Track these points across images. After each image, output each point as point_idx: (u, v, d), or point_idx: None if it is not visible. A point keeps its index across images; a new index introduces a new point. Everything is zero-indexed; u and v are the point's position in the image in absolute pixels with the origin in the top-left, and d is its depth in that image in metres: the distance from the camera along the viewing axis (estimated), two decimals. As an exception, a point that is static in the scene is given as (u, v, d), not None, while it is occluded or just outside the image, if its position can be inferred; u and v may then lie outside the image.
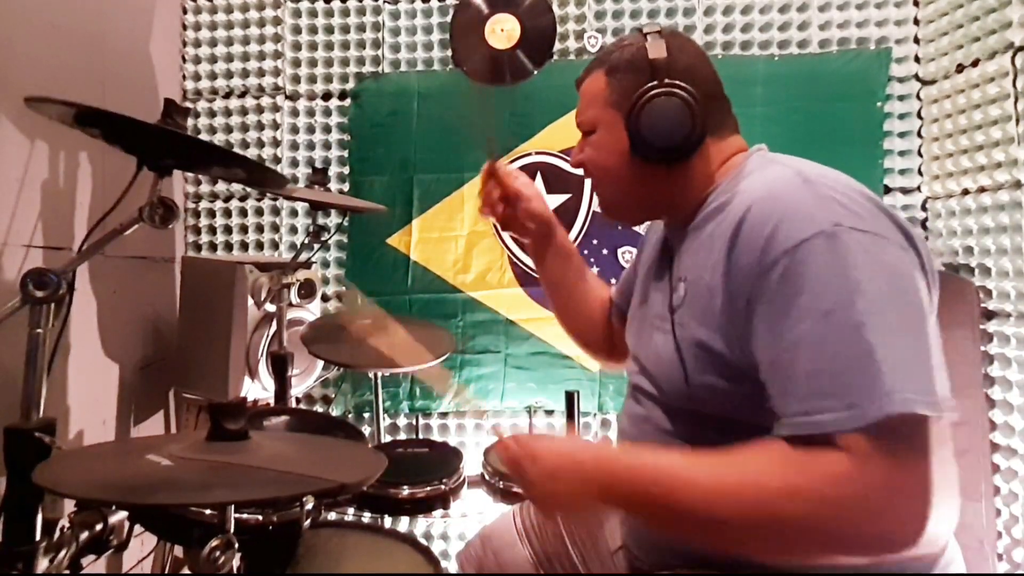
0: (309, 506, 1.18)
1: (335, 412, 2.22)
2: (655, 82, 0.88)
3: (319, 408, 2.24)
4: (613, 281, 2.16)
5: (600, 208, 1.05)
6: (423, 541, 1.24)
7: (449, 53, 2.24)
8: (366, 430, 2.03)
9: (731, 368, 0.78)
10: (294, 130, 2.28)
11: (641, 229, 1.19)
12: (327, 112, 2.28)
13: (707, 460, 0.72)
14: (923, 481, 0.64)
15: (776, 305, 0.72)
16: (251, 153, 2.27)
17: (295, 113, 2.28)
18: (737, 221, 0.78)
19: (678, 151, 0.88)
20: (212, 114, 2.28)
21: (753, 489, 0.68)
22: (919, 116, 2.07)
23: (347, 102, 2.26)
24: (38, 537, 1.00)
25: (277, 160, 2.26)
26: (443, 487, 1.55)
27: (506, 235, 2.21)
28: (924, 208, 2.05)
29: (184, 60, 2.29)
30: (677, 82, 0.87)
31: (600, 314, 1.28)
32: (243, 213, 2.29)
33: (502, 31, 2.18)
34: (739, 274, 0.76)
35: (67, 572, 1.01)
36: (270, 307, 1.82)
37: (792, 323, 0.70)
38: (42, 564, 0.98)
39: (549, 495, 0.80)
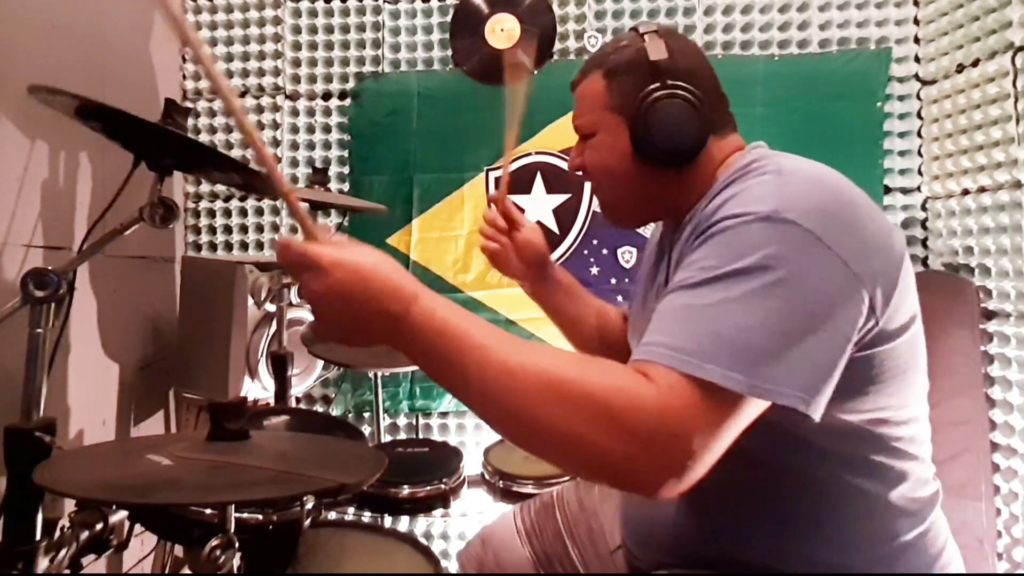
0: (309, 506, 1.18)
1: (335, 412, 2.22)
2: (658, 84, 0.86)
3: (319, 408, 2.24)
4: (613, 281, 2.19)
5: (602, 211, 1.03)
6: (423, 541, 1.24)
7: (449, 53, 2.24)
8: (366, 430, 2.03)
9: None
10: (294, 130, 2.28)
11: (645, 232, 1.19)
12: (327, 112, 2.28)
13: (507, 338, 0.69)
14: (703, 438, 0.64)
15: (696, 252, 0.74)
16: (251, 153, 2.26)
17: (295, 113, 2.28)
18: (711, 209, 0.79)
19: (684, 154, 0.87)
20: (212, 114, 2.28)
21: (552, 366, 0.66)
22: (919, 116, 2.07)
23: (347, 102, 2.26)
24: (38, 537, 1.00)
25: (277, 160, 2.26)
26: (443, 487, 1.55)
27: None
28: (924, 208, 2.05)
29: (184, 60, 2.28)
30: (681, 83, 0.86)
31: (618, 336, 1.23)
32: (243, 213, 2.29)
33: (502, 31, 2.18)
34: (689, 243, 0.78)
35: (67, 572, 1.01)
36: (270, 307, 1.82)
37: (688, 276, 0.72)
38: (42, 564, 0.98)
39: (328, 316, 0.70)
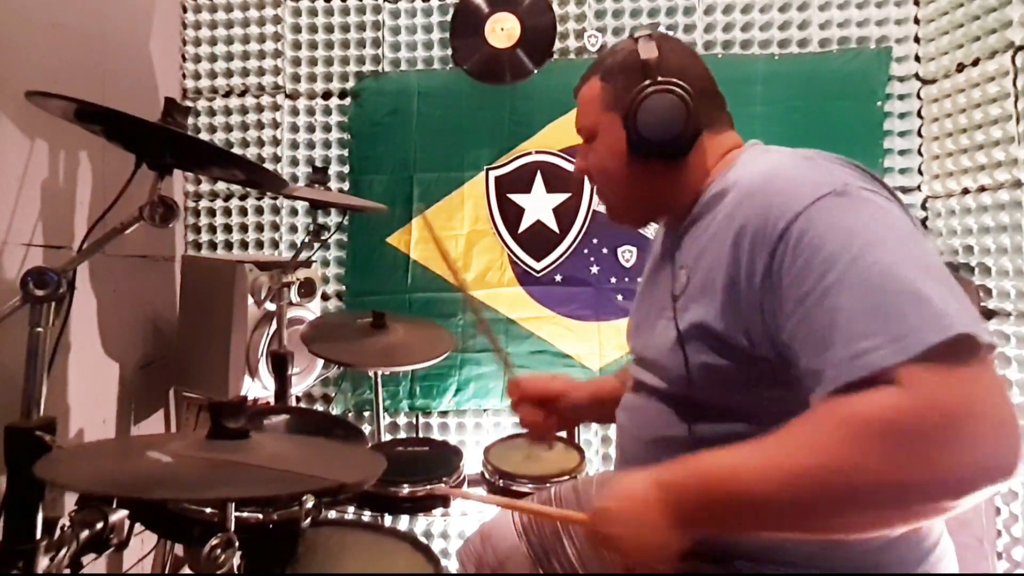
0: (309, 504, 1.18)
1: (335, 411, 2.22)
2: (648, 80, 0.89)
3: (319, 407, 2.24)
4: (613, 280, 2.19)
5: (606, 213, 1.06)
6: (423, 540, 1.24)
7: (449, 52, 2.24)
8: (366, 429, 2.03)
9: (732, 349, 0.78)
10: (294, 129, 2.28)
11: (647, 232, 1.20)
12: (327, 111, 2.28)
13: (759, 449, 0.66)
14: (998, 393, 0.59)
15: (797, 267, 0.69)
16: (251, 152, 2.27)
17: (295, 112, 2.28)
18: (742, 203, 0.79)
19: (675, 146, 0.89)
20: (212, 113, 2.28)
21: (817, 458, 0.62)
22: (919, 115, 2.07)
23: (347, 101, 2.27)
24: (39, 536, 1.00)
25: (277, 159, 2.26)
26: (443, 486, 1.55)
27: (506, 235, 2.21)
28: (924, 207, 2.05)
29: (184, 59, 2.29)
30: (670, 79, 0.89)
31: None
32: (243, 212, 2.29)
33: (502, 30, 2.18)
34: (753, 252, 0.74)
35: (67, 571, 1.01)
36: (270, 306, 1.82)
37: (818, 278, 0.66)
38: (42, 563, 0.98)
39: (639, 546, 0.71)
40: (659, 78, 0.89)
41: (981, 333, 0.61)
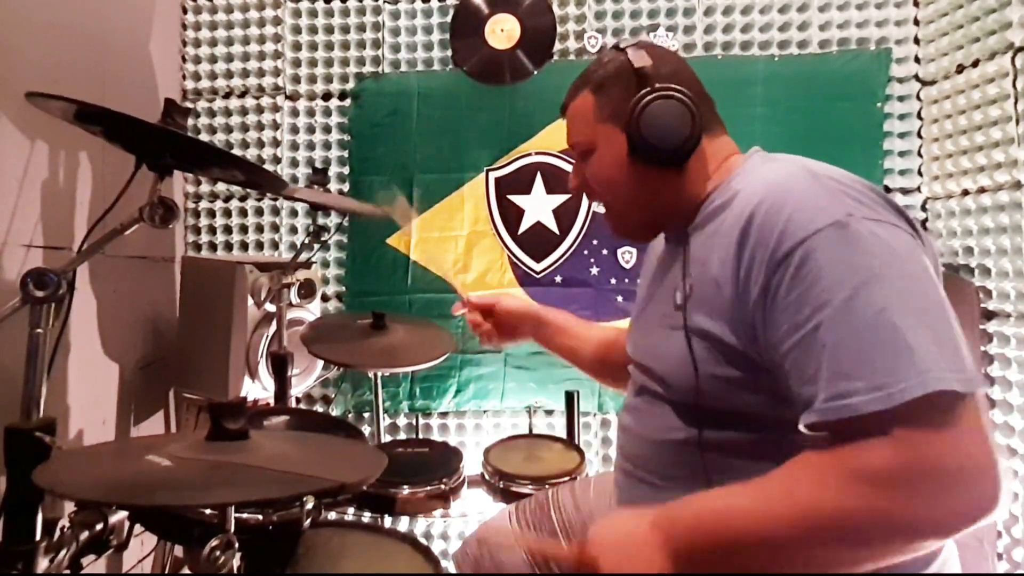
0: (309, 506, 1.18)
1: (335, 412, 2.22)
2: (648, 88, 0.89)
3: (319, 408, 2.24)
4: (613, 281, 2.19)
5: (611, 228, 1.04)
6: (423, 541, 1.24)
7: (449, 53, 2.24)
8: (366, 430, 2.03)
9: (741, 358, 0.79)
10: (294, 130, 2.28)
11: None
12: (327, 112, 2.28)
13: (752, 491, 0.70)
14: (980, 444, 0.63)
15: (794, 294, 0.71)
16: (251, 153, 2.27)
17: (295, 113, 2.28)
18: (747, 215, 0.78)
19: (680, 152, 0.89)
20: (212, 114, 2.28)
21: (810, 510, 0.66)
22: (919, 116, 2.07)
23: (347, 102, 2.27)
24: (38, 537, 1.00)
25: (277, 160, 2.26)
26: (443, 487, 1.54)
27: (506, 236, 2.21)
28: (924, 208, 2.05)
29: (184, 60, 2.29)
30: (671, 85, 0.88)
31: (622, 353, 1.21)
32: (243, 213, 2.29)
33: (502, 31, 2.18)
34: (752, 266, 0.75)
35: (67, 572, 1.01)
36: (270, 307, 1.82)
37: (812, 311, 0.69)
38: (42, 564, 0.98)
39: None
40: (657, 84, 0.88)
41: (960, 385, 0.63)
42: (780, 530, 0.67)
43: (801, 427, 0.70)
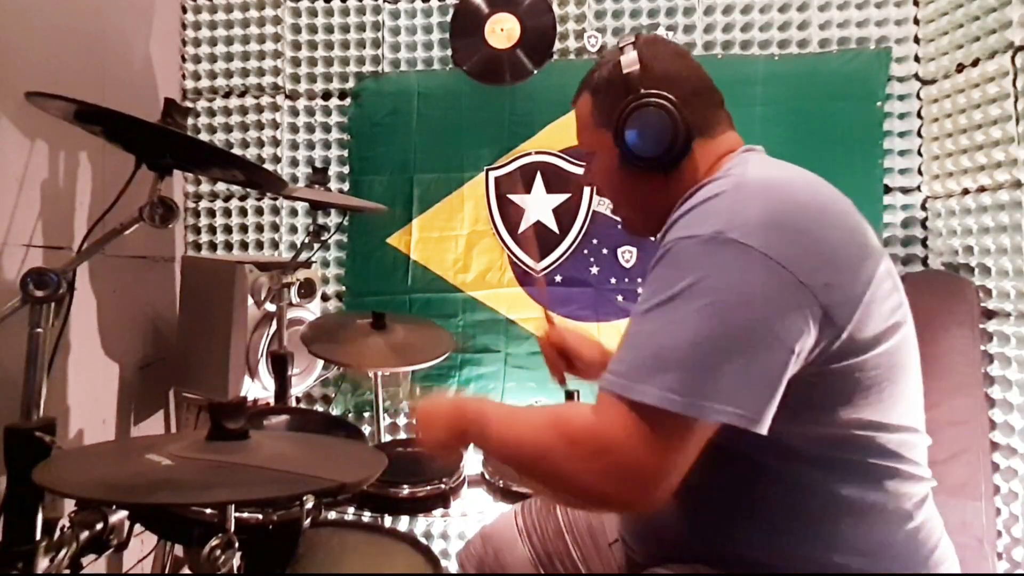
0: (309, 505, 1.18)
1: (335, 412, 2.22)
2: (631, 96, 0.89)
3: (319, 408, 2.24)
4: (613, 281, 2.19)
5: (623, 227, 1.08)
6: (423, 541, 1.24)
7: (449, 53, 2.24)
8: (366, 430, 2.03)
9: None
10: (294, 130, 2.28)
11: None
12: (327, 112, 2.28)
13: (521, 413, 0.88)
14: (655, 464, 0.71)
15: (647, 280, 0.80)
16: (251, 153, 2.27)
17: (295, 113, 2.28)
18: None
19: (665, 158, 0.89)
20: (212, 113, 2.28)
21: (532, 424, 0.83)
22: (919, 116, 2.07)
23: (347, 102, 2.27)
24: (38, 536, 1.00)
25: (277, 160, 2.26)
26: (443, 486, 1.54)
27: (506, 235, 2.21)
28: (924, 208, 2.05)
29: (184, 60, 2.29)
30: (652, 91, 0.88)
31: None
32: (243, 213, 2.29)
33: (502, 31, 2.18)
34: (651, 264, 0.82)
35: (67, 571, 1.01)
36: (270, 307, 1.82)
37: (643, 299, 0.78)
38: (42, 563, 0.98)
39: (428, 433, 0.97)
40: (642, 91, 0.88)
41: (675, 406, 0.69)
42: (510, 440, 0.85)
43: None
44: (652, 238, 0.99)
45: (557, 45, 2.20)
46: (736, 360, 0.70)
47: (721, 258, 0.72)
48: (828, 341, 0.74)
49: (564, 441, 0.76)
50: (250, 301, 1.79)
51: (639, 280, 2.15)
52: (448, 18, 2.23)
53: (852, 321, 0.74)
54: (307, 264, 1.95)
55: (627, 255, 2.17)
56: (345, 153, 2.27)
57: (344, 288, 2.27)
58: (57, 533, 1.02)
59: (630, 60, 0.91)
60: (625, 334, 0.78)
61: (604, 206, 2.14)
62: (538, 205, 2.20)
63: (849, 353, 0.75)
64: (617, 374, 0.74)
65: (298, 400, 2.08)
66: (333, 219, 2.15)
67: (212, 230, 2.29)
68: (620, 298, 2.16)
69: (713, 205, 0.77)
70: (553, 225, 2.20)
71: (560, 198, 2.19)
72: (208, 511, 1.07)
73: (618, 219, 1.13)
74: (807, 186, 0.81)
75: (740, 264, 0.72)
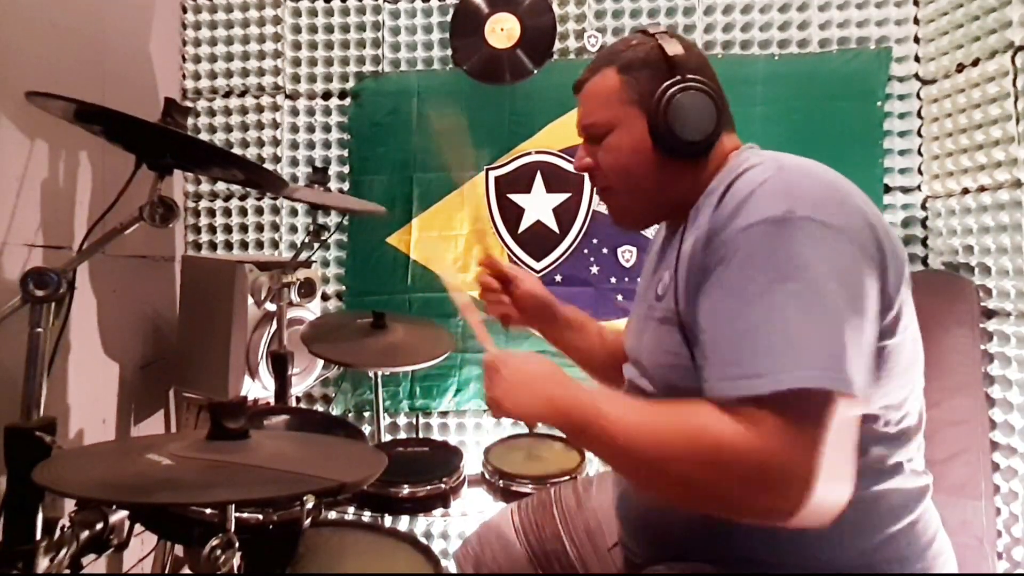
0: (309, 505, 1.18)
1: (335, 411, 2.22)
2: (678, 77, 0.88)
3: (319, 407, 2.24)
4: (613, 280, 2.19)
5: (612, 214, 1.03)
6: (423, 540, 1.24)
7: (449, 53, 2.24)
8: (366, 429, 2.03)
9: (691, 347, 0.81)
10: (294, 129, 2.28)
11: (648, 232, 1.18)
12: (327, 112, 2.28)
13: (638, 410, 0.78)
14: (812, 459, 0.66)
15: (712, 279, 0.76)
16: (251, 152, 2.27)
17: (295, 112, 2.28)
18: (712, 206, 0.81)
19: (701, 145, 0.89)
20: (212, 113, 2.28)
21: (663, 440, 0.73)
22: (919, 115, 2.07)
23: (347, 102, 2.27)
24: (38, 536, 1.00)
25: (277, 159, 2.26)
26: (443, 486, 1.54)
27: (506, 235, 2.21)
28: (924, 207, 2.05)
29: (184, 60, 2.29)
30: (699, 77, 0.88)
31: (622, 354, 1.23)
32: (243, 212, 2.29)
33: (502, 31, 2.18)
34: (703, 254, 0.79)
35: (67, 571, 1.01)
36: (270, 306, 1.82)
37: (720, 296, 0.74)
38: (42, 563, 0.98)
39: (514, 398, 0.85)
40: (688, 76, 0.88)
41: (822, 382, 0.66)
42: (631, 449, 0.75)
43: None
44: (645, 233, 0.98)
45: (557, 45, 2.20)
46: (849, 332, 0.69)
47: (803, 236, 0.71)
48: (882, 317, 0.75)
49: (712, 460, 0.69)
50: (250, 301, 1.79)
51: (638, 280, 2.15)
52: (448, 18, 2.23)
53: (898, 299, 0.76)
54: (307, 264, 1.95)
55: (627, 255, 2.17)
56: (345, 153, 2.27)
57: (344, 288, 2.27)
58: (57, 533, 1.02)
59: (674, 45, 0.90)
60: (731, 330, 0.73)
61: (604, 205, 2.14)
62: (538, 205, 2.20)
63: (886, 335, 0.76)
64: (745, 375, 0.69)
65: (298, 400, 2.08)
66: (333, 219, 2.15)
67: (212, 230, 2.29)
68: (620, 297, 2.16)
69: (767, 189, 0.76)
70: (553, 225, 2.20)
71: (560, 198, 2.19)
72: (208, 511, 1.07)
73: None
74: (833, 171, 0.82)
75: (822, 239, 0.72)
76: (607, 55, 0.96)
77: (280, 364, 1.74)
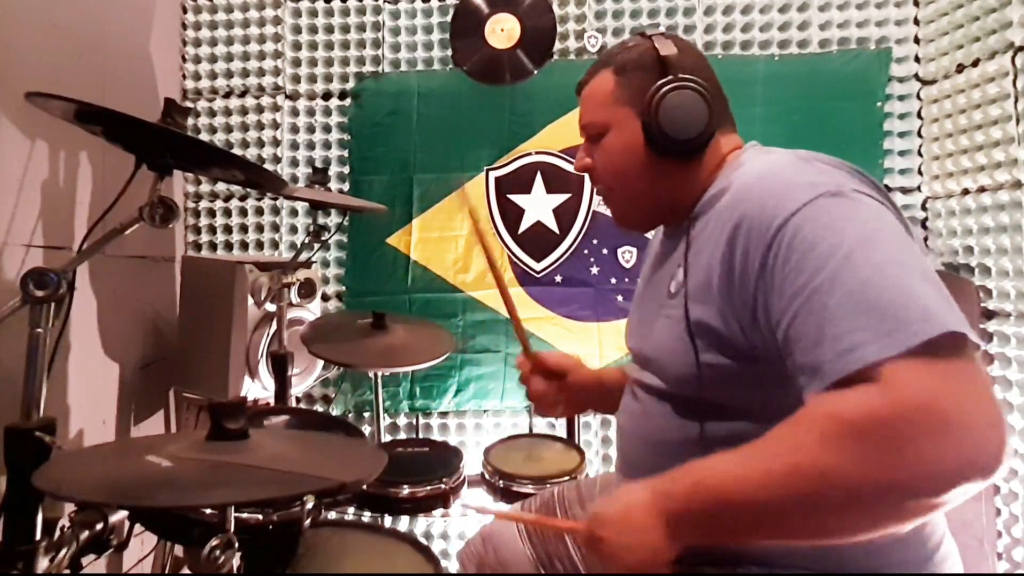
0: (309, 505, 1.18)
1: (335, 412, 2.22)
2: (670, 77, 0.89)
3: (319, 408, 2.24)
4: (613, 281, 2.19)
5: (613, 216, 1.04)
6: (423, 540, 1.24)
7: (449, 53, 2.24)
8: (366, 430, 2.03)
9: (732, 348, 0.79)
10: (294, 130, 2.28)
11: (649, 233, 1.18)
12: (327, 112, 2.28)
13: (744, 453, 0.67)
14: (985, 391, 0.60)
15: (790, 265, 0.69)
16: (251, 153, 2.27)
17: (295, 113, 2.28)
18: (740, 202, 0.79)
19: (693, 144, 0.89)
20: (212, 114, 2.28)
21: (794, 461, 0.62)
22: (919, 116, 2.07)
23: (347, 102, 2.27)
24: (38, 536, 1.00)
25: (277, 160, 2.26)
26: (443, 486, 1.55)
27: (506, 235, 2.21)
28: (924, 208, 2.05)
29: (184, 60, 2.29)
30: (692, 77, 0.89)
31: None
32: (243, 213, 2.29)
33: (502, 31, 2.18)
34: (748, 248, 0.75)
35: (67, 572, 1.01)
36: (270, 306, 1.82)
37: (810, 276, 0.67)
38: (42, 564, 0.98)
39: (632, 552, 0.72)
40: (680, 75, 0.89)
41: (970, 332, 0.62)
42: (768, 494, 0.63)
43: (808, 397, 0.66)
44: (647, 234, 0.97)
45: (557, 45, 2.20)
46: (944, 287, 0.66)
47: (867, 205, 0.72)
48: None
49: (871, 443, 0.58)
50: (250, 301, 1.79)
51: (638, 281, 2.15)
52: (448, 18, 2.23)
53: None
54: (307, 264, 1.94)
55: (627, 255, 2.17)
56: (345, 153, 2.27)
57: (344, 288, 2.27)
58: (57, 533, 1.02)
59: (667, 45, 0.91)
60: (810, 317, 0.66)
61: (604, 206, 2.14)
62: (538, 205, 2.20)
63: None
64: (871, 340, 0.61)
65: (298, 400, 2.08)
66: (333, 219, 2.15)
67: (212, 230, 2.29)
68: (620, 298, 2.16)
69: (790, 176, 0.76)
70: (553, 225, 2.20)
71: (560, 198, 2.20)
72: (208, 511, 1.07)
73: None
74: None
75: (881, 208, 0.72)
76: (605, 57, 0.98)
77: (280, 364, 1.74)
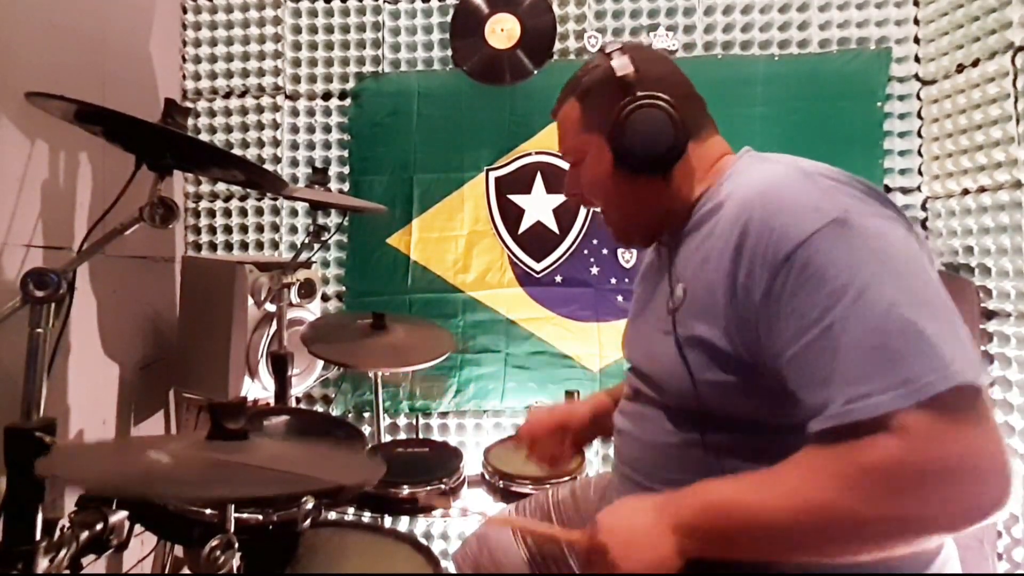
0: (309, 505, 1.18)
1: (335, 412, 2.22)
2: (629, 97, 0.88)
3: (319, 408, 2.24)
4: (613, 281, 2.19)
5: (612, 235, 1.04)
6: (423, 541, 1.24)
7: (449, 53, 2.24)
8: (366, 430, 2.03)
9: (735, 364, 0.78)
10: (294, 130, 2.28)
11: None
12: (327, 112, 2.28)
13: (760, 483, 0.70)
14: (995, 440, 0.62)
15: (799, 298, 0.69)
16: (251, 153, 2.27)
17: (295, 113, 2.28)
18: (742, 219, 0.77)
19: (663, 160, 0.88)
20: (212, 114, 2.28)
21: (808, 498, 0.66)
22: (919, 116, 2.07)
23: (347, 102, 2.27)
24: (38, 537, 1.00)
25: (277, 160, 2.26)
26: (443, 487, 1.55)
27: (506, 235, 2.21)
28: (924, 208, 2.05)
29: (184, 60, 2.29)
30: (651, 92, 0.87)
31: None
32: (243, 213, 2.29)
33: (502, 31, 2.18)
34: (752, 270, 0.74)
35: (67, 572, 1.01)
36: (270, 307, 1.82)
37: (820, 313, 0.67)
38: (42, 564, 0.98)
39: (635, 563, 0.73)
40: (639, 93, 0.88)
41: (981, 378, 0.63)
42: (783, 523, 0.67)
43: (811, 431, 0.68)
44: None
45: (557, 45, 2.20)
46: (957, 317, 0.67)
47: (874, 232, 0.70)
48: None
49: (890, 488, 0.62)
50: (250, 301, 1.79)
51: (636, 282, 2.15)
52: (448, 18, 2.23)
53: None
54: (307, 264, 1.95)
55: (627, 255, 2.17)
56: (345, 153, 2.27)
57: (344, 288, 2.27)
58: (57, 533, 1.02)
59: (623, 63, 0.90)
60: (819, 356, 0.67)
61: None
62: (538, 205, 2.20)
63: None
64: (884, 389, 0.62)
65: (298, 400, 2.08)
66: (333, 219, 2.15)
67: (212, 230, 2.29)
68: (620, 298, 2.16)
69: (795, 196, 0.75)
70: (553, 225, 2.20)
71: (560, 198, 2.20)
72: (208, 511, 1.07)
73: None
74: (842, 170, 0.82)
75: (889, 231, 0.71)
76: (571, 82, 0.98)
77: (280, 365, 1.74)
